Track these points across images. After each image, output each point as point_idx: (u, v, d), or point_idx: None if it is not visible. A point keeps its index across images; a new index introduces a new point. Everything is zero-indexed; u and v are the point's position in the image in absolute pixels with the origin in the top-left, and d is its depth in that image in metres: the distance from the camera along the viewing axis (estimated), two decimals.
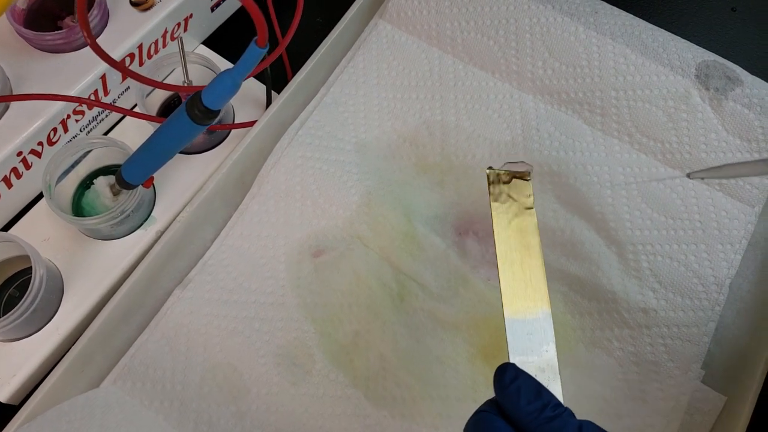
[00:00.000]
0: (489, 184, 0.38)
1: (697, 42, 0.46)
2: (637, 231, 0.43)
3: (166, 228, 0.40)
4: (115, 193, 0.42)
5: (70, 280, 0.41)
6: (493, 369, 0.29)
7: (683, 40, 0.46)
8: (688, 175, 0.33)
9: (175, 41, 0.47)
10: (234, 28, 0.53)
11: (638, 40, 0.46)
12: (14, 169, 0.41)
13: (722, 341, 0.42)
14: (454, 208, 0.44)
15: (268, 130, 0.44)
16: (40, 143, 0.41)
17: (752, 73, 0.45)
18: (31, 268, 0.37)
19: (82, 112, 0.43)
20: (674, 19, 0.56)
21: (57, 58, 0.43)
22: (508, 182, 0.38)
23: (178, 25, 0.47)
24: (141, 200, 0.41)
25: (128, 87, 0.46)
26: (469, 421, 0.28)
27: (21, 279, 0.42)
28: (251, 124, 0.44)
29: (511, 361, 0.31)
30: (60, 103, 0.41)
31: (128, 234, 0.43)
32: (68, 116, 0.42)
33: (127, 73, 0.35)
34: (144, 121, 0.43)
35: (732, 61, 0.45)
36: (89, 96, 0.43)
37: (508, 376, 0.28)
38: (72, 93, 0.41)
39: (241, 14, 0.53)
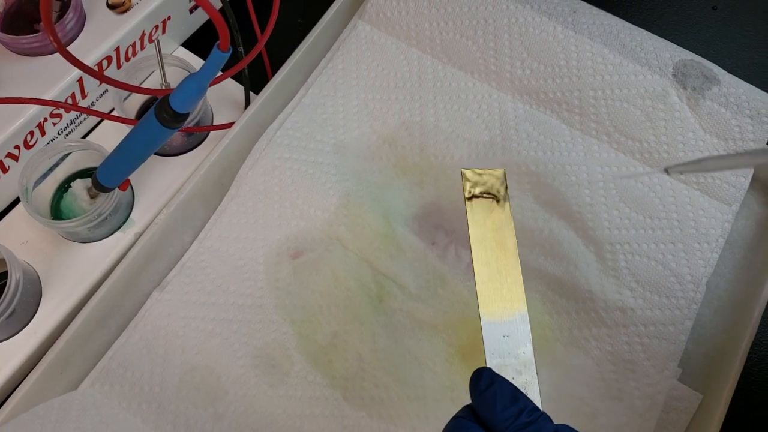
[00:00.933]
0: (464, 184, 0.38)
1: (678, 41, 0.46)
2: (615, 230, 0.43)
3: (145, 230, 0.40)
4: (93, 196, 0.42)
5: (48, 283, 0.41)
6: (472, 369, 0.29)
7: (661, 39, 0.46)
8: (666, 170, 0.33)
9: (153, 44, 0.47)
10: (213, 30, 0.52)
11: (616, 39, 0.46)
12: None
13: (699, 340, 0.42)
14: (432, 209, 0.45)
15: (246, 132, 0.44)
16: (17, 147, 0.41)
17: (732, 71, 0.45)
18: (7, 271, 0.37)
19: (60, 116, 0.43)
20: (655, 18, 0.56)
21: (34, 61, 0.43)
22: (483, 182, 0.38)
23: (156, 27, 0.46)
24: (118, 203, 0.41)
25: (106, 90, 0.46)
26: (446, 427, 0.28)
27: None
28: (229, 125, 0.44)
29: (488, 364, 0.31)
30: (37, 107, 0.41)
31: (107, 236, 0.43)
32: (45, 119, 0.42)
33: (100, 77, 0.35)
34: (122, 123, 0.43)
35: (712, 60, 0.45)
36: (66, 99, 0.43)
37: (484, 382, 0.28)
38: (49, 96, 0.41)
39: None
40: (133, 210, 0.44)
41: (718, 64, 0.45)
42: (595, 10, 0.47)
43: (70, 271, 0.42)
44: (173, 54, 0.50)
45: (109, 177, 0.37)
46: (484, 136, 0.46)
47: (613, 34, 0.46)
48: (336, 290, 0.42)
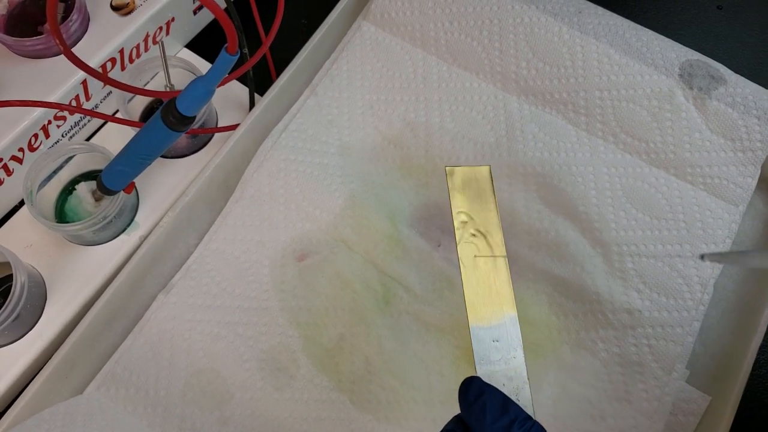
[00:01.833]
0: (448, 182, 0.36)
1: (683, 40, 0.46)
2: (621, 231, 0.43)
3: (150, 233, 0.40)
4: (97, 199, 0.42)
5: (53, 287, 0.41)
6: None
7: (667, 40, 0.46)
8: (702, 257, 0.32)
9: (157, 45, 0.47)
10: (217, 31, 0.53)
11: (622, 39, 0.46)
12: None
13: (707, 341, 0.42)
14: (438, 211, 0.44)
15: (251, 134, 0.44)
16: (21, 149, 0.41)
17: (738, 71, 0.45)
18: (12, 275, 0.37)
19: (64, 118, 0.43)
20: (660, 18, 0.56)
21: (38, 63, 0.43)
22: (468, 180, 0.36)
23: (160, 28, 0.46)
24: (123, 206, 0.41)
25: (110, 92, 0.46)
26: None
27: (4, 285, 0.41)
28: (234, 127, 0.44)
29: (477, 371, 0.30)
30: (41, 109, 0.41)
31: (111, 239, 0.43)
32: (49, 122, 0.42)
33: (104, 79, 0.35)
34: (126, 126, 0.43)
35: (717, 60, 0.45)
36: (70, 101, 0.43)
37: (473, 392, 0.27)
38: (53, 98, 0.41)
39: None
40: (138, 213, 0.44)
41: (724, 64, 0.45)
42: (600, 10, 0.47)
43: (75, 275, 0.42)
44: (177, 55, 0.49)
45: (114, 180, 0.37)
46: (489, 137, 0.46)
47: (619, 35, 0.46)
48: (342, 292, 0.42)
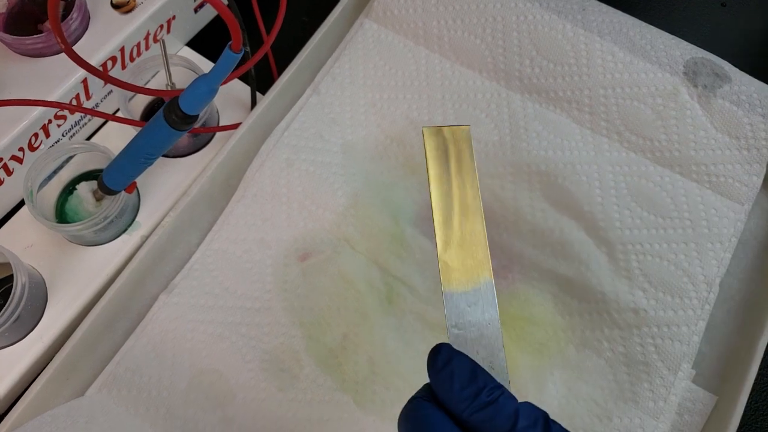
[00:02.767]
0: (425, 144, 0.32)
1: (687, 37, 0.46)
2: (626, 230, 0.42)
3: (151, 233, 0.40)
4: (98, 199, 0.41)
5: (54, 287, 0.41)
6: None
7: (671, 37, 0.46)
8: None
9: (158, 44, 0.47)
10: (218, 29, 0.52)
11: (626, 37, 0.45)
12: None
13: (713, 341, 0.42)
14: None
15: (253, 132, 0.44)
16: (21, 149, 0.41)
17: (742, 69, 0.45)
18: (13, 275, 0.37)
19: (64, 117, 0.43)
20: (664, 15, 0.56)
21: (37, 62, 0.42)
22: (446, 140, 0.32)
23: (161, 27, 0.46)
24: (124, 206, 0.41)
25: (111, 91, 0.45)
26: (403, 408, 0.26)
27: (3, 287, 0.41)
28: (236, 126, 0.43)
29: (449, 338, 0.28)
30: (41, 108, 0.40)
31: (113, 239, 0.42)
32: (50, 121, 0.42)
33: (105, 78, 0.35)
34: (127, 125, 0.42)
35: (721, 57, 0.45)
36: (70, 100, 0.42)
37: (441, 359, 0.25)
38: (53, 97, 0.41)
39: None
40: (139, 212, 0.43)
41: (729, 62, 0.45)
42: (604, 7, 0.47)
43: (76, 275, 0.41)
44: (178, 54, 0.49)
45: (116, 180, 0.37)
46: (493, 135, 0.45)
47: (623, 32, 0.45)
48: (345, 292, 0.42)
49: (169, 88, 0.43)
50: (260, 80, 0.47)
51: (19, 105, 0.39)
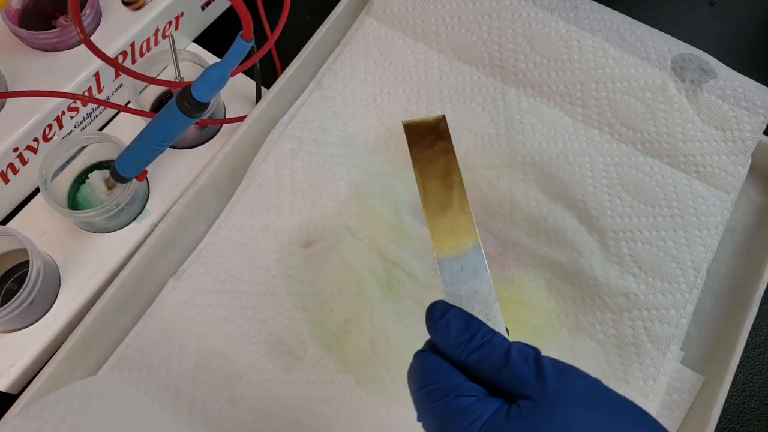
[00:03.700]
0: (406, 135, 0.36)
1: (676, 36, 0.48)
2: (617, 218, 0.44)
3: (160, 220, 0.41)
4: (110, 187, 0.43)
5: (66, 272, 0.42)
6: None
7: (660, 33, 0.47)
8: None
9: (167, 39, 0.48)
10: (224, 26, 0.54)
11: (617, 33, 0.47)
12: (11, 165, 0.42)
13: (700, 323, 0.43)
14: None
15: (258, 125, 0.45)
16: (36, 139, 0.43)
17: (728, 65, 0.46)
18: (28, 261, 0.38)
19: (77, 109, 0.44)
20: (654, 14, 0.58)
21: (51, 56, 0.44)
22: (424, 130, 0.36)
23: (170, 23, 0.48)
24: (135, 194, 0.42)
25: (121, 84, 0.47)
26: (411, 363, 0.28)
27: (19, 272, 0.43)
28: (242, 119, 0.45)
29: (445, 292, 0.30)
30: (55, 100, 0.42)
31: (123, 227, 0.44)
32: (63, 113, 0.43)
33: (119, 68, 0.36)
34: (137, 117, 0.44)
35: (709, 54, 0.47)
36: (83, 93, 0.44)
37: (437, 312, 0.27)
38: (67, 90, 0.42)
39: (231, 12, 0.54)
40: (149, 201, 0.45)
41: (716, 58, 0.47)
42: (596, 5, 0.48)
43: (88, 261, 0.43)
44: (186, 49, 0.51)
45: (128, 167, 0.38)
46: (489, 128, 0.47)
47: (614, 29, 0.47)
48: (347, 278, 0.43)
49: (177, 81, 0.44)
50: (265, 76, 0.49)
51: (34, 96, 0.40)
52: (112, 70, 0.45)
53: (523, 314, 0.43)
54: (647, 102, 0.46)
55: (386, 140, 0.47)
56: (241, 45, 0.28)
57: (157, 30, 0.47)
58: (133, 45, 0.46)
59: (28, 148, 0.42)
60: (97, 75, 0.44)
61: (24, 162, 0.43)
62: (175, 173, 0.46)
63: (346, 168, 0.46)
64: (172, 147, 0.46)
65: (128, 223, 0.44)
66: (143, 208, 0.45)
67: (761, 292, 0.41)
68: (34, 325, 0.41)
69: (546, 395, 0.24)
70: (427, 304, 0.42)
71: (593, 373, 0.41)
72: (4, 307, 0.37)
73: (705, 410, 0.39)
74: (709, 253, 0.43)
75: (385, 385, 0.41)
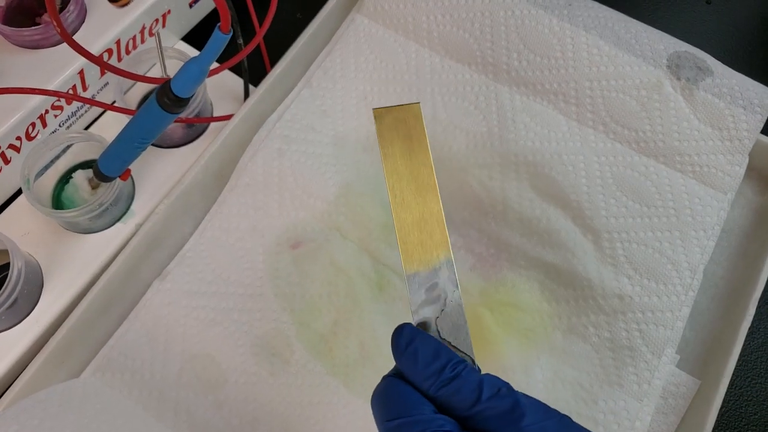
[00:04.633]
0: (377, 125, 0.31)
1: (672, 34, 0.47)
2: (612, 219, 0.43)
3: (145, 220, 0.41)
4: (94, 187, 0.42)
5: (50, 273, 0.42)
6: None
7: (656, 31, 0.47)
8: None
9: (153, 37, 0.48)
10: (213, 24, 0.53)
11: (611, 31, 0.46)
12: None
13: (696, 326, 0.42)
14: None
15: (245, 123, 0.44)
16: (19, 138, 0.42)
17: (725, 63, 0.46)
18: (9, 262, 0.37)
19: (61, 108, 0.44)
20: (649, 11, 0.57)
21: (35, 53, 0.43)
22: (397, 120, 0.31)
23: (156, 21, 0.47)
24: (119, 193, 0.42)
25: (107, 83, 0.46)
26: (376, 387, 0.27)
27: (1, 274, 0.42)
28: (229, 117, 0.44)
29: (413, 319, 0.28)
30: (38, 98, 0.41)
31: (108, 227, 0.43)
32: (47, 111, 0.43)
33: (102, 65, 0.36)
34: (123, 115, 0.43)
35: (705, 52, 0.46)
36: (68, 91, 0.43)
37: (404, 339, 0.26)
38: (50, 87, 0.42)
39: None
40: (134, 201, 0.44)
41: (711, 56, 0.46)
42: (590, 2, 0.48)
43: (72, 262, 0.42)
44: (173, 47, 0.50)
45: (110, 165, 0.37)
46: (481, 126, 0.46)
47: (608, 27, 0.46)
48: (336, 279, 0.42)
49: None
50: (253, 74, 0.48)
51: (18, 93, 0.40)
52: (97, 68, 0.45)
53: (516, 317, 0.42)
54: (642, 100, 0.45)
55: (376, 139, 0.46)
56: (219, 37, 0.28)
57: (144, 28, 0.46)
58: (118, 42, 0.45)
59: (11, 146, 0.42)
60: (81, 73, 0.43)
61: (6, 161, 0.42)
62: (161, 173, 0.45)
63: (335, 167, 0.45)
64: (158, 146, 0.45)
65: (113, 224, 0.43)
66: (128, 208, 0.44)
67: (758, 295, 0.41)
68: (16, 326, 0.40)
69: None
70: None
71: (587, 377, 0.41)
72: None
73: (701, 415, 0.38)
74: (705, 255, 0.42)
75: (373, 388, 0.40)
